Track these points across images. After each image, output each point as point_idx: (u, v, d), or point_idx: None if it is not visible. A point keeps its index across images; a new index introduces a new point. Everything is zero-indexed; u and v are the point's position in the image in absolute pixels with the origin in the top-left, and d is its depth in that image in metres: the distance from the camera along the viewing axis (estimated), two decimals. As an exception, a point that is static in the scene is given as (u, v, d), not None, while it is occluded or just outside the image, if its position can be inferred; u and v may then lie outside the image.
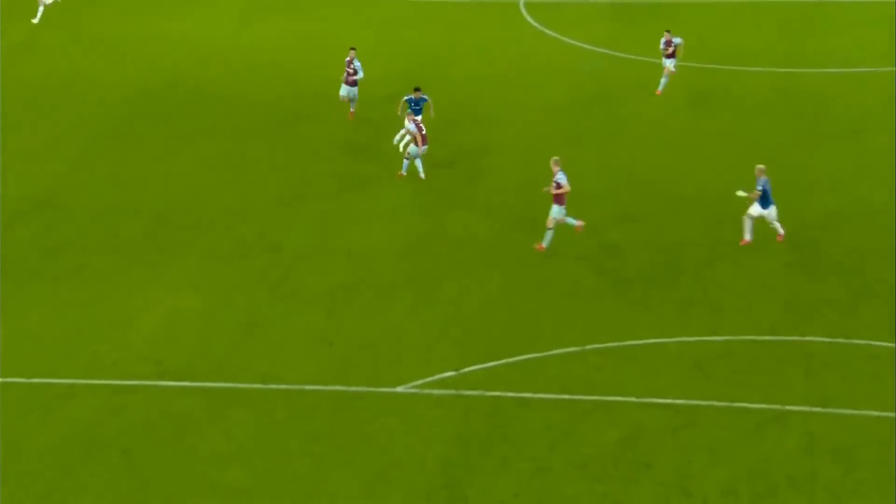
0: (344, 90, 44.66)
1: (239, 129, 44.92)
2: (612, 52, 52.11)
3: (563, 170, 34.91)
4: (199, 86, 49.08)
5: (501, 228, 36.72)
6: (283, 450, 27.38)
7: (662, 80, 47.54)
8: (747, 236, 35.32)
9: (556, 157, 35.19)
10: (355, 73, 44.29)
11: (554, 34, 54.42)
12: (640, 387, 29.43)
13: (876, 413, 28.43)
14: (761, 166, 35.36)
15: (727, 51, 52.04)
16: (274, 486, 26.25)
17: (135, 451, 27.22)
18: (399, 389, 29.52)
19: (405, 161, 40.01)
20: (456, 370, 30.13)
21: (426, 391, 29.46)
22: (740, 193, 35.28)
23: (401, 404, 28.99)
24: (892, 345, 30.80)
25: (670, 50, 47.46)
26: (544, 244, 35.25)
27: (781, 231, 35.54)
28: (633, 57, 51.16)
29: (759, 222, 35.31)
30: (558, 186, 34.74)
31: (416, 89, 41.81)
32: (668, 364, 30.37)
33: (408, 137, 40.65)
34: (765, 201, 35.09)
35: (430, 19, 57.43)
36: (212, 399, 29.17)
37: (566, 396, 29.18)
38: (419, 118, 40.87)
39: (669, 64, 47.51)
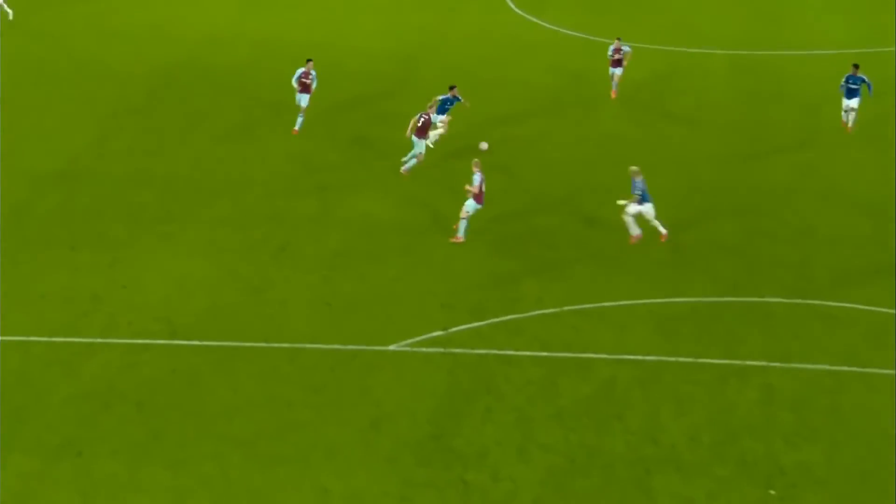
0: (299, 99, 42.29)
1: (245, 108, 44.83)
2: (588, 37, 52.02)
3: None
4: (209, 67, 48.93)
5: (489, 199, 36.70)
6: (286, 403, 27.41)
7: (614, 84, 45.47)
8: (634, 232, 33.81)
9: (476, 160, 34.14)
10: (312, 82, 42.16)
11: (536, 20, 54.30)
12: (613, 344, 29.50)
13: (828, 367, 28.57)
14: (635, 168, 33.64)
15: (694, 33, 52.05)
16: (277, 436, 26.24)
17: (148, 404, 27.24)
18: (391, 347, 29.55)
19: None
20: (444, 330, 30.16)
21: (416, 349, 29.49)
22: (620, 202, 33.71)
23: (393, 361, 29.01)
24: (842, 304, 30.94)
25: (618, 56, 45.17)
26: (460, 235, 34.14)
27: (663, 230, 33.90)
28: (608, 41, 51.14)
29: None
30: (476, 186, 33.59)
31: (452, 87, 40.78)
32: (639, 323, 30.43)
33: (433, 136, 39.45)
34: (642, 199, 33.59)
35: (423, 5, 57.33)
36: (219, 356, 29.17)
37: (545, 353, 29.23)
38: (445, 118, 40.22)
39: (618, 72, 45.18)
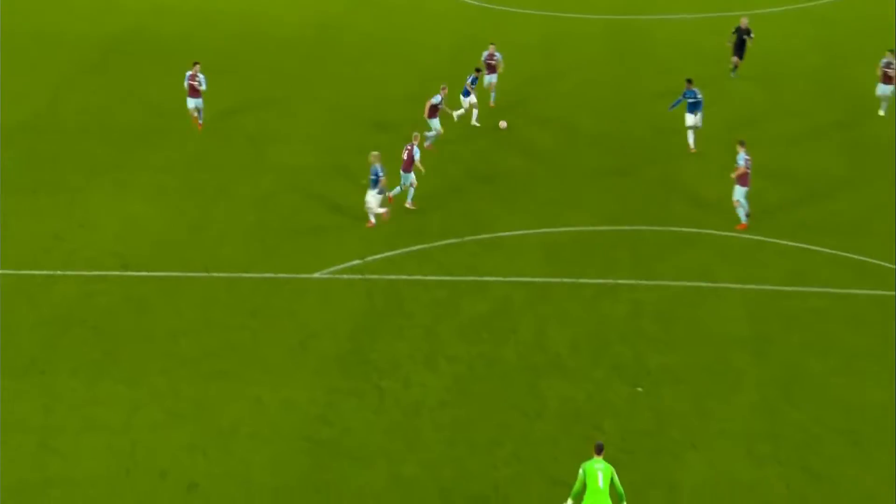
0: (191, 103, 37.26)
1: (185, 70, 44.02)
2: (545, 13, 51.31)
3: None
4: (157, 33, 47.87)
5: (400, 142, 36.52)
6: (225, 325, 27.31)
7: (492, 95, 39.12)
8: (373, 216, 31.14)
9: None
10: (200, 84, 37.13)
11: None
12: (507, 269, 29.65)
13: (686, 283, 28.89)
14: (375, 153, 30.97)
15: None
16: (217, 354, 26.21)
17: (103, 328, 27.04)
18: (316, 275, 29.48)
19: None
20: (361, 259, 30.15)
21: (337, 276, 29.47)
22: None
23: (317, 287, 28.97)
24: (699, 230, 31.30)
25: (493, 62, 38.97)
26: (408, 204, 32.44)
27: (384, 210, 31.27)
28: (571, 15, 50.76)
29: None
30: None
31: (478, 70, 37.87)
32: (529, 250, 30.56)
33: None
34: (375, 184, 30.74)
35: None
36: (166, 285, 28.96)
37: (448, 277, 29.32)
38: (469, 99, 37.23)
39: (492, 78, 38.91)
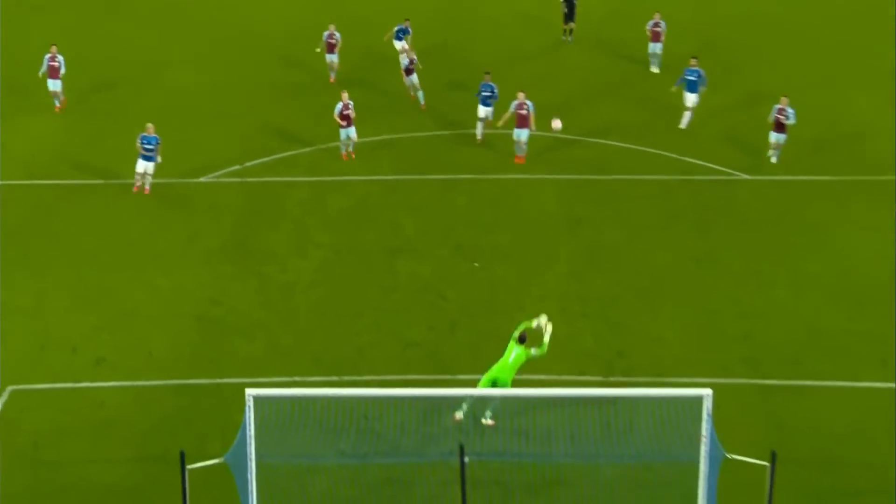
0: (52, 84, 32.36)
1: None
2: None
3: None
4: None
5: (268, 69, 35.96)
6: (122, 224, 26.85)
7: (420, 95, 33.04)
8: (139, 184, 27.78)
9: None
10: (60, 66, 32.14)
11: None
12: (365, 169, 29.54)
13: (514, 176, 29.15)
14: (150, 125, 27.88)
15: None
16: (116, 248, 25.84)
17: (17, 229, 26.33)
18: (202, 179, 29.12)
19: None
20: (240, 164, 29.84)
21: (220, 180, 29.07)
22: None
23: (203, 189, 28.56)
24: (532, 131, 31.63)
25: (411, 67, 33.08)
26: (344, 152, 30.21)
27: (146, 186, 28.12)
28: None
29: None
30: None
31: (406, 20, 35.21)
32: (385, 153, 30.42)
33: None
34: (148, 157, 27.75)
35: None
36: (72, 192, 28.30)
37: (316, 178, 29.15)
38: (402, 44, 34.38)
39: (414, 79, 33.00)
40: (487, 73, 31.00)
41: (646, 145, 30.75)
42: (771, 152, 29.22)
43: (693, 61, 30.76)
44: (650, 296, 23.90)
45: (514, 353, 19.23)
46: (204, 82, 35.23)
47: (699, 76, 30.66)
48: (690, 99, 30.95)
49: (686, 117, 31.04)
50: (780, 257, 25.53)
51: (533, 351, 19.29)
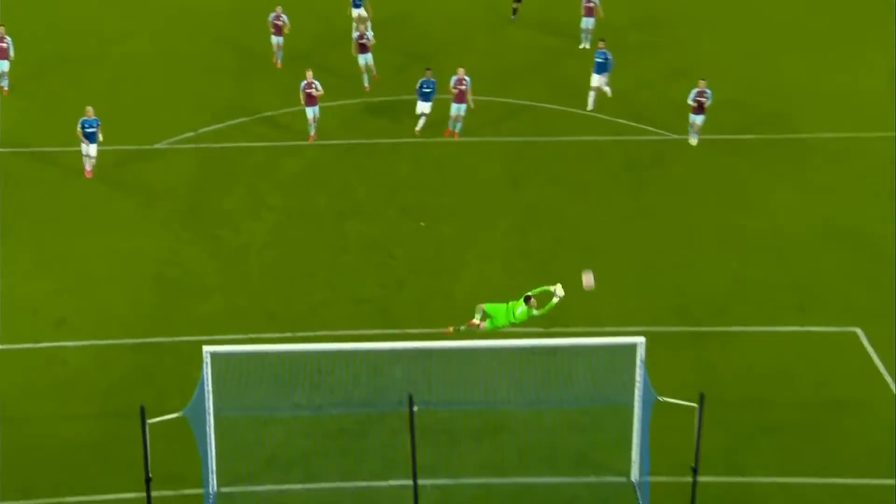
0: (1, 65, 30.47)
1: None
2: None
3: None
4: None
5: (222, 42, 35.23)
6: (82, 193, 26.31)
7: (366, 77, 31.45)
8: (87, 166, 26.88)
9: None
10: (9, 48, 30.32)
11: None
12: (318, 135, 28.91)
13: (462, 139, 28.83)
14: (89, 107, 26.79)
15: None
16: (76, 214, 25.43)
17: (-24, 198, 25.87)
18: (157, 146, 28.66)
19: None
20: (194, 131, 29.37)
21: (175, 146, 28.65)
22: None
23: (160, 155, 28.15)
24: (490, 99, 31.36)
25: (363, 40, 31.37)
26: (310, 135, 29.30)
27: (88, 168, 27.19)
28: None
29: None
30: None
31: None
32: (333, 120, 29.87)
33: None
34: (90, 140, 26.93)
35: None
36: (29, 159, 27.72)
37: (268, 144, 28.77)
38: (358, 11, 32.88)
39: (368, 59, 31.31)
40: (428, 69, 29.01)
41: (580, 108, 30.63)
42: (692, 134, 28.57)
43: (601, 44, 30.59)
44: (587, 251, 24.02)
45: (521, 309, 19.32)
46: (157, 54, 34.39)
47: (606, 58, 30.31)
48: (596, 79, 30.50)
49: (591, 97, 30.30)
50: (709, 213, 25.80)
51: (535, 311, 19.33)
